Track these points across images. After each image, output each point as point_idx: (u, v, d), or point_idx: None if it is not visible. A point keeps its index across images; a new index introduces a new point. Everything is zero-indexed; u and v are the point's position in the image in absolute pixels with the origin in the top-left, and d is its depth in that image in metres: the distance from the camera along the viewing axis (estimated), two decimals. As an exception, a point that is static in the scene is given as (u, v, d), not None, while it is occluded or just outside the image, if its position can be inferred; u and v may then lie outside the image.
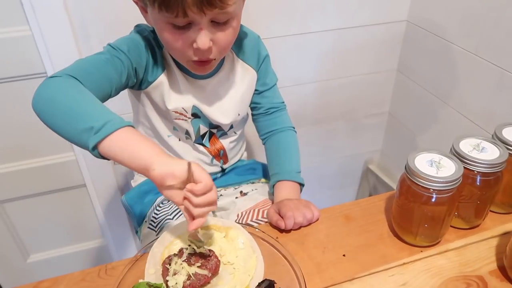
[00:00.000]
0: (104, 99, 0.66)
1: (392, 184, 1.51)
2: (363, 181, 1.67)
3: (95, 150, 0.54)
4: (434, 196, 0.60)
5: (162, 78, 0.75)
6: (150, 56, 0.73)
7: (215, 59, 0.70)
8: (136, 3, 0.70)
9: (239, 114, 0.84)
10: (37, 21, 0.99)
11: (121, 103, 0.78)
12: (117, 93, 0.69)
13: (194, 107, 0.79)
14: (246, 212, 0.81)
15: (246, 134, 1.00)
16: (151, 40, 0.74)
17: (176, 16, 0.61)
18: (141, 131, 0.88)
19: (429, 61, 1.25)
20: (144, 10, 0.70)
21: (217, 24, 0.65)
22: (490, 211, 0.72)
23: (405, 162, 0.63)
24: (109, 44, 0.70)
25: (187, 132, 0.83)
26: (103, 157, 0.56)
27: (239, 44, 0.81)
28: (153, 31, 0.75)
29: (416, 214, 0.63)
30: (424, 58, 1.27)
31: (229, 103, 0.82)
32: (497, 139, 0.67)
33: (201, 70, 0.73)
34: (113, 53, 0.68)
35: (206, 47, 0.64)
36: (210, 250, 0.60)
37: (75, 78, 0.61)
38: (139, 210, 0.86)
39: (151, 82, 0.75)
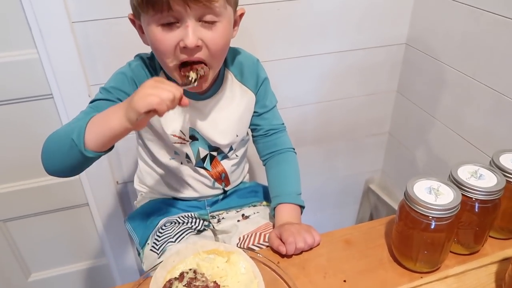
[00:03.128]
0: None
1: (392, 204, 1.51)
2: (364, 201, 1.68)
3: (87, 151, 0.64)
4: (433, 223, 0.61)
5: None
6: (139, 85, 0.75)
7: (205, 65, 0.70)
8: (133, 21, 0.73)
9: (237, 135, 0.86)
10: (44, 44, 1.01)
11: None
12: None
13: (191, 129, 0.81)
14: (247, 236, 0.82)
15: (248, 155, 1.01)
16: (144, 67, 0.77)
17: (162, 12, 0.64)
18: (142, 154, 0.89)
19: (428, 83, 1.27)
20: (140, 30, 0.73)
21: (205, 24, 0.67)
22: (490, 236, 0.73)
23: (405, 182, 0.64)
24: (101, 88, 0.75)
25: (187, 156, 0.84)
26: (102, 151, 0.66)
27: (238, 67, 0.84)
28: (151, 58, 0.79)
29: (415, 240, 0.64)
30: (423, 80, 1.29)
31: (227, 124, 0.84)
32: (495, 166, 0.68)
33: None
34: (104, 97, 0.73)
35: (193, 44, 0.65)
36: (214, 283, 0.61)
37: None
38: (141, 232, 0.87)
39: None
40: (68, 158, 0.66)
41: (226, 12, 0.69)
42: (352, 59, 1.30)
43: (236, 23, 0.76)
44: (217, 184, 0.90)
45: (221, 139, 0.83)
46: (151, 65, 0.78)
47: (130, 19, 0.74)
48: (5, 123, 1.11)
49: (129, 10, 0.74)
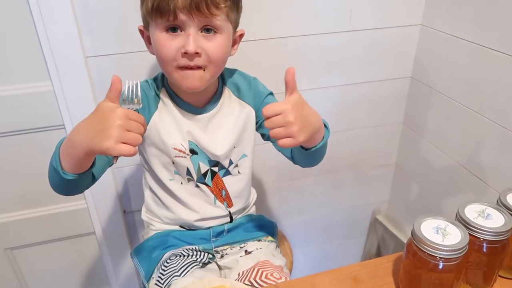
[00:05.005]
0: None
1: (399, 235, 1.49)
2: (371, 232, 1.66)
3: (66, 173, 0.66)
4: (441, 263, 0.61)
5: (156, 118, 0.81)
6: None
7: (203, 70, 0.74)
8: (142, 32, 0.79)
9: (234, 147, 0.87)
10: (59, 77, 1.04)
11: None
12: None
13: (190, 142, 0.83)
14: (246, 271, 0.82)
15: (256, 186, 1.01)
16: (145, 87, 0.82)
17: (168, 20, 0.69)
18: (146, 177, 0.91)
19: (434, 116, 1.28)
20: (148, 41, 0.78)
21: (206, 35, 0.72)
22: (499, 276, 0.72)
23: (412, 213, 0.64)
24: None
25: (188, 172, 0.85)
26: (83, 172, 0.68)
27: (234, 84, 0.87)
28: (154, 79, 0.84)
29: (423, 280, 0.63)
30: (428, 113, 1.30)
31: (223, 135, 0.86)
32: (502, 206, 0.68)
33: (190, 81, 0.74)
34: None
35: (193, 50, 0.70)
36: None
37: None
38: (146, 265, 0.87)
39: (146, 124, 0.80)
40: (58, 181, 0.69)
41: (226, 27, 0.74)
42: (359, 92, 1.32)
43: (235, 42, 0.82)
44: (218, 202, 0.90)
45: (217, 149, 0.85)
46: (153, 84, 0.83)
47: (140, 30, 0.80)
48: (17, 153, 1.13)
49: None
